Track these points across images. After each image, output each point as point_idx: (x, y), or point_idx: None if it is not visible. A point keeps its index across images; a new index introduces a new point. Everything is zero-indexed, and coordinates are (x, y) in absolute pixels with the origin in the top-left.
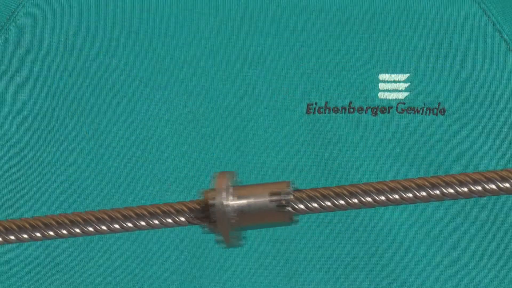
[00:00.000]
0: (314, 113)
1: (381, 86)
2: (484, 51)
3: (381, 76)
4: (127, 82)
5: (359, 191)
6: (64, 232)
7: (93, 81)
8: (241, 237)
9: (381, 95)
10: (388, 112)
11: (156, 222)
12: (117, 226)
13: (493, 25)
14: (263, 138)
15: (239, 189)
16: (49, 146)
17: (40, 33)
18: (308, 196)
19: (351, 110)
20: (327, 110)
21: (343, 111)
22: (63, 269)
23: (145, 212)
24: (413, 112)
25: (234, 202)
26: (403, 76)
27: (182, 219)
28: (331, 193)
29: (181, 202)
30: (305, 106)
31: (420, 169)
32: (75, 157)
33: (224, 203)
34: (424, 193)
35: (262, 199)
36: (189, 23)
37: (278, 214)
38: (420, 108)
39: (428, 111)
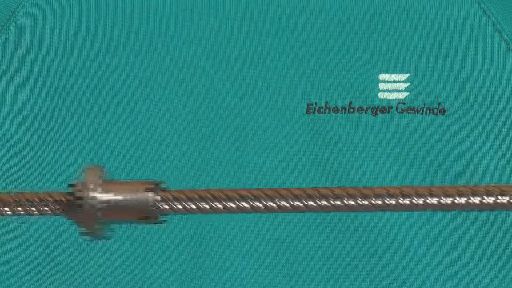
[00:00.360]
0: (314, 113)
1: (381, 86)
2: (484, 51)
3: (381, 76)
4: (127, 82)
5: (222, 195)
6: None
7: (93, 81)
8: (106, 231)
9: (381, 95)
10: (388, 112)
11: (20, 209)
12: None
13: (493, 25)
14: (263, 138)
15: (108, 184)
16: (49, 146)
17: (40, 33)
18: (174, 197)
19: (351, 110)
20: (327, 110)
21: (343, 111)
22: (63, 269)
23: (10, 200)
24: (413, 112)
25: (102, 196)
26: (403, 76)
27: (46, 209)
28: (196, 196)
29: (47, 192)
30: (305, 106)
31: (420, 169)
32: (75, 157)
33: (92, 196)
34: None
35: (129, 196)
36: (189, 23)
37: (143, 213)
38: (420, 108)
39: (428, 111)
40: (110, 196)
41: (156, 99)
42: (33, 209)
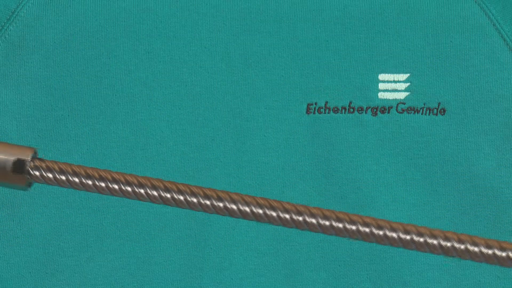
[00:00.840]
0: (314, 113)
1: (381, 86)
2: (484, 51)
3: (381, 76)
4: (127, 82)
5: (96, 175)
6: None
7: (93, 81)
8: None
9: (381, 95)
10: (388, 112)
11: None
12: None
13: (493, 25)
14: (263, 138)
15: None
16: (49, 146)
17: (40, 33)
18: (47, 166)
19: (351, 110)
20: (327, 110)
21: (343, 111)
22: (63, 269)
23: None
24: (413, 112)
25: None
26: (403, 76)
27: None
28: (69, 169)
29: None
30: (305, 106)
31: (420, 169)
32: (75, 157)
33: None
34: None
35: (3, 157)
36: (189, 23)
37: (13, 175)
38: (420, 108)
39: (428, 111)
40: None
41: (156, 99)
42: None
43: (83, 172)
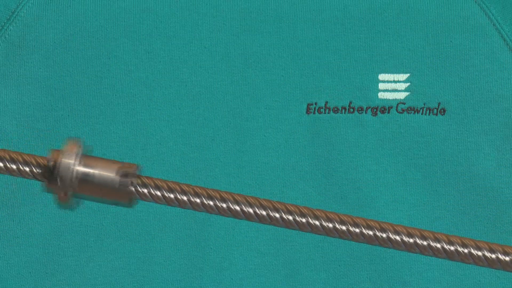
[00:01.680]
0: (314, 113)
1: (381, 86)
2: (484, 51)
3: (381, 76)
4: (127, 82)
5: (191, 191)
6: None
7: (93, 81)
8: (77, 203)
9: (381, 95)
10: (388, 112)
11: (1, 165)
12: None
13: (493, 25)
14: (263, 138)
15: (87, 158)
16: (49, 146)
17: (40, 33)
18: (154, 184)
19: (351, 110)
20: (327, 110)
21: (343, 111)
22: (63, 269)
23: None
24: (413, 112)
25: (80, 168)
26: (403, 76)
27: (27, 170)
28: (178, 188)
29: (32, 155)
30: (305, 106)
31: (420, 169)
32: None
33: (70, 167)
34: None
35: (108, 173)
36: (189, 23)
37: (119, 192)
38: (420, 108)
39: (428, 111)
40: (87, 170)
41: (156, 99)
42: (14, 167)
43: (178, 188)
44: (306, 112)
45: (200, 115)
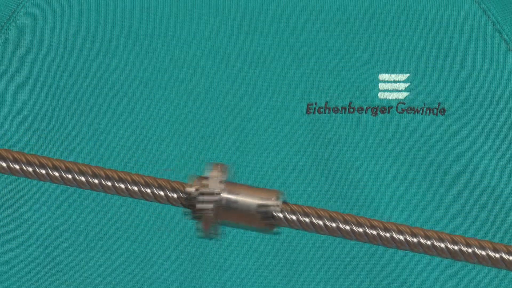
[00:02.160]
0: (314, 113)
1: (381, 86)
2: (484, 51)
3: (381, 76)
4: (127, 82)
5: (339, 217)
6: (57, 174)
7: (93, 81)
8: (219, 231)
9: (381, 95)
10: (388, 112)
11: (136, 189)
12: (96, 181)
13: (493, 25)
14: (263, 138)
15: (230, 185)
16: (49, 146)
17: (40, 33)
18: (292, 210)
19: (351, 110)
20: (327, 110)
21: (343, 111)
22: (63, 269)
23: (129, 178)
24: (413, 112)
25: (224, 196)
26: (403, 76)
27: (162, 194)
28: (314, 213)
29: (167, 180)
30: (305, 106)
31: (420, 169)
32: (75, 157)
33: (215, 194)
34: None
35: (250, 201)
36: (189, 23)
37: (261, 220)
38: (420, 108)
39: (428, 111)
40: (231, 197)
41: (156, 99)
42: (149, 191)
43: (327, 215)
44: (306, 112)
45: (200, 115)
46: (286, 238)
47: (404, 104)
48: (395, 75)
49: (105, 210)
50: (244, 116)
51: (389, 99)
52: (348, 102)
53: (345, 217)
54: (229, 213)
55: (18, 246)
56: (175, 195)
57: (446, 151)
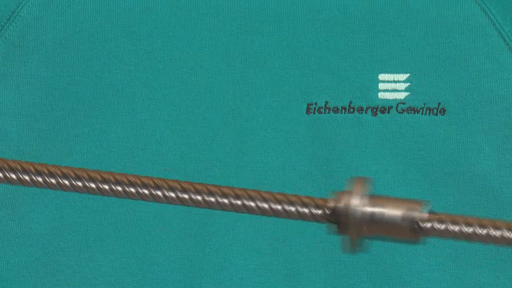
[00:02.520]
0: (314, 113)
1: (381, 86)
2: (484, 51)
3: (381, 76)
4: (127, 82)
5: (489, 224)
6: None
7: (93, 81)
8: (365, 245)
9: (381, 95)
10: (388, 112)
11: (279, 208)
12: (239, 202)
13: (493, 25)
14: (263, 138)
15: (374, 198)
16: (49, 146)
17: (40, 33)
18: (440, 219)
19: (351, 110)
20: (327, 110)
21: (343, 111)
22: (63, 269)
23: (272, 198)
24: (413, 112)
25: (368, 209)
26: (403, 76)
27: (306, 211)
28: (461, 220)
29: (309, 197)
30: (305, 106)
31: (420, 169)
32: (75, 157)
33: (359, 209)
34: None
35: (395, 213)
36: (189, 23)
37: (407, 232)
38: (420, 108)
39: (428, 111)
40: (376, 210)
41: (156, 99)
42: (293, 210)
43: (475, 223)
44: (306, 112)
45: (200, 115)
46: (286, 238)
47: (404, 104)
48: (395, 75)
49: (105, 210)
50: (244, 116)
51: (389, 99)
52: (348, 102)
53: (496, 224)
54: (374, 226)
55: (18, 246)
56: (319, 212)
57: (446, 151)
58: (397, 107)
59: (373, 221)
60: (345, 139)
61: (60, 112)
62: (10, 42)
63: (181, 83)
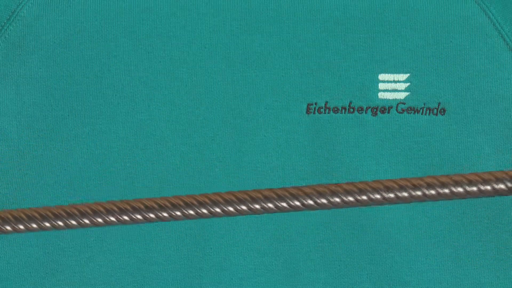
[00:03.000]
0: (314, 113)
1: (381, 86)
2: (484, 51)
3: (381, 76)
4: (127, 82)
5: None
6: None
7: (93, 81)
8: None
9: (381, 95)
10: (388, 112)
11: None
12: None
13: (493, 25)
14: (263, 138)
15: None
16: (49, 146)
17: (40, 33)
18: None
19: (351, 110)
20: (327, 110)
21: (343, 111)
22: (63, 269)
23: (460, 179)
24: (413, 112)
25: None
26: (403, 76)
27: (502, 186)
28: None
29: (490, 173)
30: (305, 106)
31: (420, 169)
32: (75, 157)
33: None
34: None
35: None
36: (189, 23)
37: None
38: (420, 108)
39: (428, 111)
40: None
41: (156, 99)
42: (475, 189)
43: None
44: (306, 112)
45: (200, 115)
46: (286, 238)
47: (404, 104)
48: (395, 75)
49: None
50: (244, 116)
51: (389, 99)
52: (348, 102)
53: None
54: None
55: (18, 246)
56: (502, 186)
57: (446, 151)
58: (397, 107)
59: None
60: (345, 139)
61: (60, 112)
62: (10, 42)
63: (181, 83)
